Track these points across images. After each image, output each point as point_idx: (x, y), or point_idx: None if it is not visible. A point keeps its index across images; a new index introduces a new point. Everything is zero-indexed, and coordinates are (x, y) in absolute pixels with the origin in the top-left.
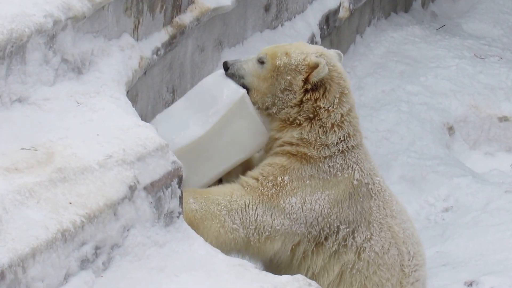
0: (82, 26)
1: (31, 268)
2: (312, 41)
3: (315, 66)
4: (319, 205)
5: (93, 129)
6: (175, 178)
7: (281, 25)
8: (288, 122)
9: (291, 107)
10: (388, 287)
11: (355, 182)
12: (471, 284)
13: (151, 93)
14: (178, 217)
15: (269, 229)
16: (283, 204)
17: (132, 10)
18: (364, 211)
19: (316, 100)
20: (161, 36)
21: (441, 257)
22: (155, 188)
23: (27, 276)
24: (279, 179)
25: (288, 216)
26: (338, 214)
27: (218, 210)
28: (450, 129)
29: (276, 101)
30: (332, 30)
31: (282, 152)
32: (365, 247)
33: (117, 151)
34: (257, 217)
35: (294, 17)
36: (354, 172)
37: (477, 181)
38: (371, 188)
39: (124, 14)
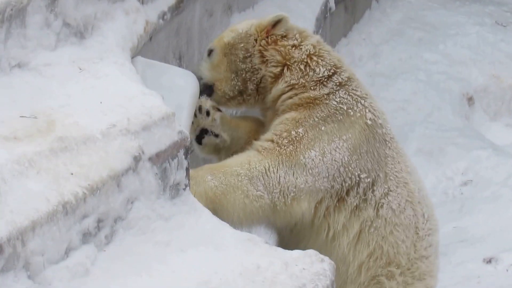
0: None
1: (30, 241)
2: (326, 6)
3: (277, 20)
4: (339, 153)
5: (96, 97)
6: (182, 148)
7: None
8: (269, 83)
9: (259, 68)
10: (403, 249)
11: (369, 121)
12: (490, 261)
13: (157, 59)
14: (184, 189)
15: (294, 189)
16: (303, 160)
17: None
18: (380, 159)
19: (276, 42)
20: None
21: (459, 233)
22: (160, 159)
23: (26, 249)
24: (293, 133)
25: (310, 171)
26: (358, 161)
27: (239, 180)
28: (470, 99)
29: (243, 75)
30: None
31: (287, 108)
32: (383, 203)
33: (121, 120)
34: (279, 179)
35: None
36: (365, 110)
37: (497, 153)
38: (385, 133)
39: None
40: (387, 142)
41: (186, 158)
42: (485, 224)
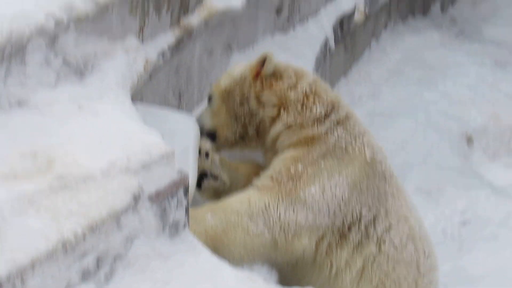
0: (85, 27)
1: (30, 279)
2: (325, 45)
3: (263, 59)
4: (339, 189)
5: (96, 135)
6: (181, 187)
7: (293, 29)
8: (267, 124)
9: (257, 111)
10: (405, 286)
11: (368, 158)
12: None
13: (157, 98)
14: (183, 228)
15: (294, 226)
16: (304, 196)
17: (138, 11)
18: (381, 196)
19: (271, 84)
20: (168, 38)
21: (458, 273)
22: (160, 197)
23: None
24: (292, 170)
25: (310, 208)
26: (358, 197)
27: (239, 218)
28: (469, 139)
29: (242, 120)
30: (346, 34)
31: (286, 147)
32: (385, 239)
33: (120, 158)
34: (280, 216)
35: (307, 20)
36: (364, 147)
37: (496, 194)
38: (384, 169)
39: (129, 14)
40: (387, 179)
41: (185, 197)
42: (483, 263)
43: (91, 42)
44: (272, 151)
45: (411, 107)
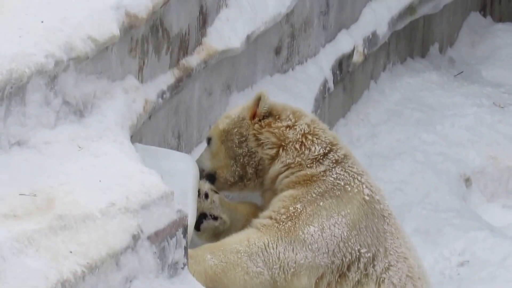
0: (84, 67)
1: None
2: (324, 86)
3: (258, 98)
4: (338, 229)
5: (95, 175)
6: (180, 227)
7: (292, 69)
8: (266, 164)
9: (256, 151)
10: None
11: (366, 197)
12: None
13: (156, 138)
14: (183, 268)
15: (294, 265)
16: (303, 235)
17: (137, 51)
18: (380, 235)
19: (270, 124)
20: (167, 78)
21: None
22: (159, 237)
23: None
24: (291, 209)
25: (309, 247)
26: (357, 236)
27: (238, 258)
28: (467, 180)
29: (241, 160)
30: (345, 75)
31: (285, 187)
32: (384, 278)
33: (120, 199)
34: (279, 255)
35: (306, 61)
36: (362, 186)
37: (494, 235)
38: (383, 208)
39: (128, 55)
40: (385, 218)
41: (184, 237)
42: None
43: (91, 82)
44: (270, 190)
45: (410, 148)
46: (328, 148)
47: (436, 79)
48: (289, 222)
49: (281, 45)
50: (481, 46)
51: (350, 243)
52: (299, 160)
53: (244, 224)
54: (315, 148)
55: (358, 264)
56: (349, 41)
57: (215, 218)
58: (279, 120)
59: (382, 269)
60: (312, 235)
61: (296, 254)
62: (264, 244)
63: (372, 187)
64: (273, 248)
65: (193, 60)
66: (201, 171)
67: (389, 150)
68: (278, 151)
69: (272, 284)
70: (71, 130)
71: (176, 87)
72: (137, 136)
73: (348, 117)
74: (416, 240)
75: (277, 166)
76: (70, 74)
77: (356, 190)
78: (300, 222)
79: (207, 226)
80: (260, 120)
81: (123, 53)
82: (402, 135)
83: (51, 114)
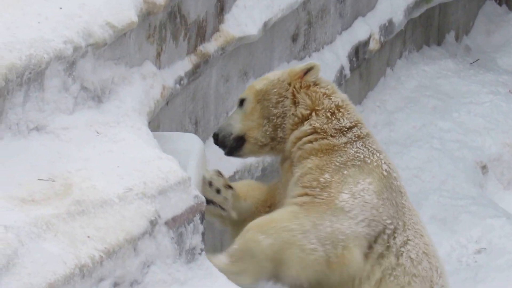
0: (102, 53)
1: None
2: (341, 73)
3: (309, 68)
4: (368, 194)
5: (113, 161)
6: (198, 213)
7: (309, 56)
8: (292, 124)
9: (289, 109)
10: None
11: (384, 172)
12: None
13: (174, 124)
14: (200, 253)
15: (342, 237)
16: (339, 203)
17: (155, 37)
18: (399, 208)
19: (308, 87)
20: (184, 64)
21: None
22: (176, 223)
23: None
24: (321, 180)
25: (349, 214)
26: (383, 206)
27: (292, 236)
28: (484, 168)
29: (274, 120)
30: (361, 63)
31: (307, 153)
32: (402, 252)
33: (137, 184)
34: (327, 229)
35: (322, 48)
36: (381, 161)
37: (511, 222)
38: (399, 185)
39: (146, 41)
40: (402, 194)
41: (201, 222)
42: None
43: (109, 68)
44: (289, 159)
45: (426, 135)
46: (353, 124)
47: (452, 66)
48: (324, 193)
49: (298, 32)
50: (497, 35)
51: (380, 211)
52: (326, 127)
53: (254, 212)
54: (343, 120)
55: (383, 236)
56: (365, 28)
57: (223, 209)
58: (317, 86)
59: (402, 243)
60: (347, 201)
61: (342, 225)
62: (313, 221)
63: (390, 164)
64: (321, 224)
65: (211, 46)
66: (229, 135)
67: (406, 137)
68: (310, 113)
69: (326, 260)
70: (89, 115)
71: (194, 73)
72: (154, 122)
73: (365, 104)
74: (432, 228)
75: (304, 127)
76: (88, 60)
77: (375, 163)
78: (333, 190)
79: (213, 210)
80: (301, 82)
81: (141, 39)
82: (419, 122)
83: (69, 99)
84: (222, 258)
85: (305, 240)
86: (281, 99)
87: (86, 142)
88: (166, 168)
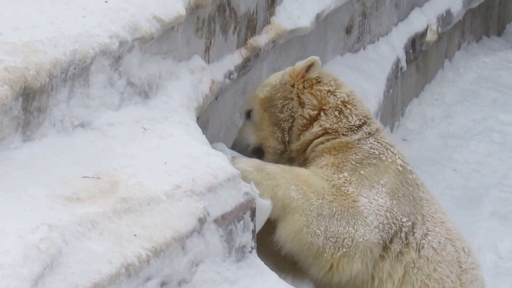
0: (149, 47)
1: None
2: (397, 65)
3: (310, 64)
4: (381, 198)
5: (160, 157)
6: (248, 210)
7: (363, 48)
8: (301, 126)
9: (296, 112)
10: (448, 283)
11: (400, 167)
12: None
13: (223, 119)
14: (250, 252)
15: (349, 243)
16: (360, 207)
17: (204, 31)
18: (416, 203)
19: (312, 86)
20: (234, 58)
21: None
22: (226, 220)
23: None
24: (341, 177)
25: (366, 220)
26: (398, 205)
27: (309, 209)
28: None
29: (282, 125)
30: (418, 54)
31: (319, 153)
32: (423, 244)
33: (186, 181)
34: (339, 228)
35: (378, 40)
36: (395, 156)
37: None
38: (415, 178)
39: (194, 35)
40: (419, 186)
41: (252, 220)
42: None
43: (156, 63)
44: (297, 160)
45: (486, 128)
46: (363, 120)
47: None
48: (347, 189)
49: (352, 24)
50: None
51: (394, 212)
52: (336, 127)
53: None
54: (352, 118)
55: (400, 234)
56: (422, 19)
57: None
58: (320, 84)
59: (421, 236)
60: (365, 206)
61: (356, 230)
62: (333, 211)
63: (404, 157)
64: (337, 219)
65: (261, 39)
66: (246, 147)
67: (465, 130)
68: (318, 114)
69: (319, 252)
70: (135, 111)
71: (244, 67)
72: (203, 118)
73: (422, 96)
74: (493, 224)
75: (315, 129)
76: (134, 54)
77: (390, 160)
78: (355, 191)
79: None
80: (304, 82)
81: (189, 33)
82: (478, 115)
83: (115, 95)
84: (250, 164)
85: (316, 221)
86: (287, 102)
87: (132, 138)
88: (215, 164)
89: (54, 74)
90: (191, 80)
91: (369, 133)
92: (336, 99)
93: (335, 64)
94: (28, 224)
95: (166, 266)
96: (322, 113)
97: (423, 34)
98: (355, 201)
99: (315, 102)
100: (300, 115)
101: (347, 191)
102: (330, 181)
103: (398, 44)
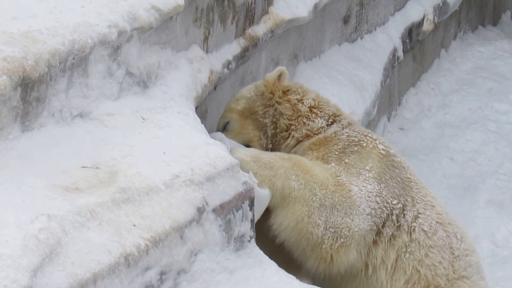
0: (148, 37)
1: None
2: (394, 55)
3: (279, 74)
4: (369, 184)
5: (159, 147)
6: (246, 199)
7: (361, 38)
8: (284, 137)
9: (279, 118)
10: (440, 270)
11: (382, 151)
12: None
13: (222, 109)
14: (249, 241)
15: (347, 233)
16: (354, 196)
17: (202, 21)
18: (405, 184)
19: (286, 95)
20: (233, 48)
21: None
22: (224, 210)
23: None
24: (330, 167)
25: (359, 209)
26: (387, 188)
27: (312, 199)
28: None
29: (268, 131)
30: (415, 44)
31: (302, 153)
32: (414, 227)
33: (184, 171)
34: (338, 218)
35: (375, 30)
36: (375, 142)
37: None
38: (401, 161)
39: (193, 24)
40: (406, 169)
41: (251, 209)
42: None
43: (155, 53)
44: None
45: (482, 118)
46: (331, 120)
47: (508, 47)
48: (342, 179)
49: (349, 13)
50: None
51: (383, 195)
52: (306, 132)
53: None
54: (319, 120)
55: (391, 217)
56: (418, 9)
57: None
58: (290, 92)
59: (412, 218)
60: (357, 195)
61: (352, 220)
62: (335, 202)
63: (385, 142)
64: (337, 210)
65: (260, 29)
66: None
67: (461, 120)
68: (291, 124)
69: (318, 243)
70: (134, 101)
71: (242, 57)
72: (202, 107)
73: (419, 86)
74: (490, 212)
75: (289, 141)
76: (133, 44)
77: (371, 145)
78: (345, 181)
79: None
80: (279, 92)
81: (187, 22)
82: (474, 105)
83: (114, 85)
84: (247, 154)
85: (317, 212)
86: (267, 109)
87: (131, 128)
88: (214, 154)
89: (53, 64)
90: (190, 70)
91: (342, 126)
92: (304, 106)
93: (332, 53)
94: (27, 215)
95: (165, 255)
96: (293, 123)
97: (420, 23)
98: (349, 191)
99: (289, 112)
100: (279, 124)
101: (343, 181)
102: (329, 171)
103: (395, 34)
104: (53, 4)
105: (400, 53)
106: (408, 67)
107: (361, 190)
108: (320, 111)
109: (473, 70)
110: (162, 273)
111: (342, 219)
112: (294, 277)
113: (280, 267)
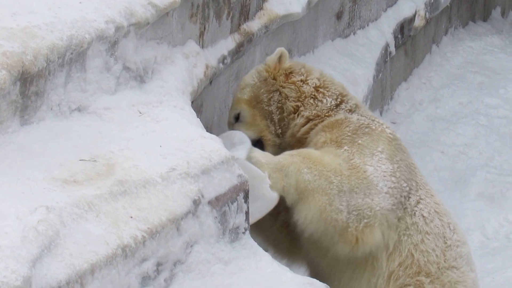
0: (145, 32)
1: (89, 285)
2: (386, 50)
3: (279, 56)
4: (383, 164)
5: (156, 141)
6: (241, 192)
7: (354, 34)
8: (290, 119)
9: (285, 102)
10: (433, 257)
11: (390, 135)
12: None
13: (217, 103)
14: (244, 233)
15: (369, 213)
16: (370, 177)
17: (198, 17)
18: (411, 169)
19: (288, 77)
20: (228, 43)
21: None
22: (220, 202)
23: None
24: (343, 151)
25: (377, 188)
26: (399, 169)
27: (329, 188)
28: None
29: (275, 118)
30: (407, 39)
31: (315, 134)
32: (415, 211)
33: (180, 164)
34: (358, 200)
35: (367, 25)
36: (383, 126)
37: None
38: (404, 146)
39: (189, 20)
40: (409, 155)
41: (245, 202)
42: None
43: (151, 48)
44: (297, 148)
45: (473, 111)
46: (339, 99)
47: (498, 42)
48: (355, 161)
49: (342, 9)
50: None
51: (397, 176)
52: (315, 112)
53: None
54: (327, 100)
55: (401, 199)
56: (410, 5)
57: None
58: (293, 74)
59: (415, 202)
60: (373, 174)
61: (372, 200)
62: (352, 185)
63: (390, 127)
64: (356, 193)
65: (254, 25)
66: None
67: (452, 114)
68: (299, 105)
69: (344, 227)
70: (131, 95)
71: (237, 52)
72: (197, 102)
73: (410, 81)
74: (480, 205)
75: (298, 120)
76: (130, 39)
77: (380, 128)
78: (359, 162)
79: None
80: (281, 75)
81: (183, 18)
82: (465, 99)
83: (111, 79)
84: (262, 156)
85: (337, 198)
86: (272, 95)
87: (128, 122)
88: (209, 147)
89: (51, 59)
90: (186, 64)
91: (350, 110)
92: (309, 87)
93: (326, 49)
94: (26, 206)
95: (162, 247)
96: (300, 104)
97: (412, 19)
98: (364, 172)
99: (294, 94)
100: (286, 107)
101: (356, 163)
102: (341, 156)
103: (387, 29)
104: (51, 0)
105: (392, 48)
106: (400, 62)
107: (376, 170)
108: (327, 91)
109: (464, 65)
110: (158, 264)
111: (362, 200)
112: (287, 268)
113: (284, 255)
